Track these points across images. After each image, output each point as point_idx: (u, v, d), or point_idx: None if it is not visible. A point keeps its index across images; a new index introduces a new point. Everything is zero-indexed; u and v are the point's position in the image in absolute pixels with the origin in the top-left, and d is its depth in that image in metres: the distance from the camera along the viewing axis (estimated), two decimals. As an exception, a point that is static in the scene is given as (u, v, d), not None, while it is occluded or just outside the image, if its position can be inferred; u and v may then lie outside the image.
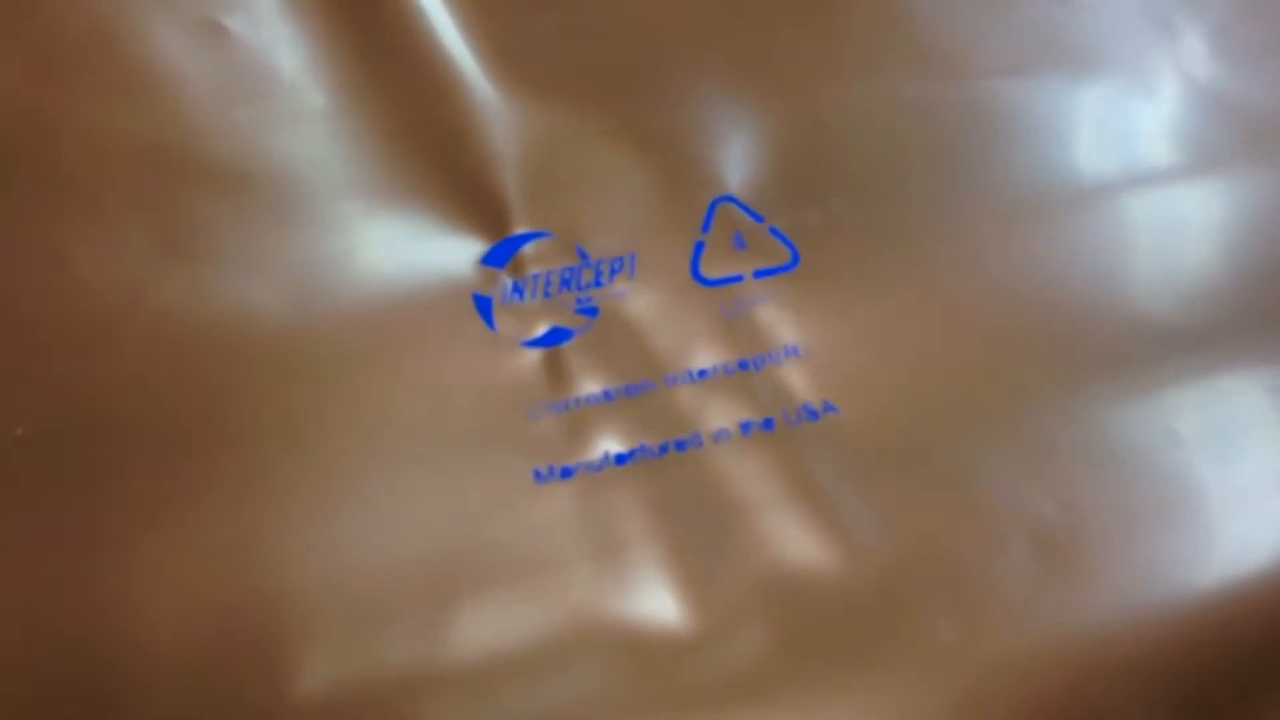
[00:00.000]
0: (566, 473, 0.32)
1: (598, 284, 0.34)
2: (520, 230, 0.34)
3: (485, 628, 0.30)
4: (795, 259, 0.35)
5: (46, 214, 0.33)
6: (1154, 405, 0.34)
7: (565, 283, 0.34)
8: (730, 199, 0.35)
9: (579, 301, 0.34)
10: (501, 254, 0.34)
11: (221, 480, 0.31)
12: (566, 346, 0.34)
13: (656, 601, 0.31)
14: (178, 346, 0.32)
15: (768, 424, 0.33)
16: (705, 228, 0.35)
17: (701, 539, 0.32)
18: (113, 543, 0.31)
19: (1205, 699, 0.31)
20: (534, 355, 0.33)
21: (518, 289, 0.34)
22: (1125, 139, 0.37)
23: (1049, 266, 0.35)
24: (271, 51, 0.34)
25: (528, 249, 0.34)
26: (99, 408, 0.31)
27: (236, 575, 0.30)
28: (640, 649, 0.31)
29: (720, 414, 0.33)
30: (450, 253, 0.34)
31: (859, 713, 0.30)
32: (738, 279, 0.35)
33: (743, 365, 0.34)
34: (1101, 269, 0.35)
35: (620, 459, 0.32)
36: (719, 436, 0.33)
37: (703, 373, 0.34)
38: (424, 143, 0.34)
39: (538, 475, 0.32)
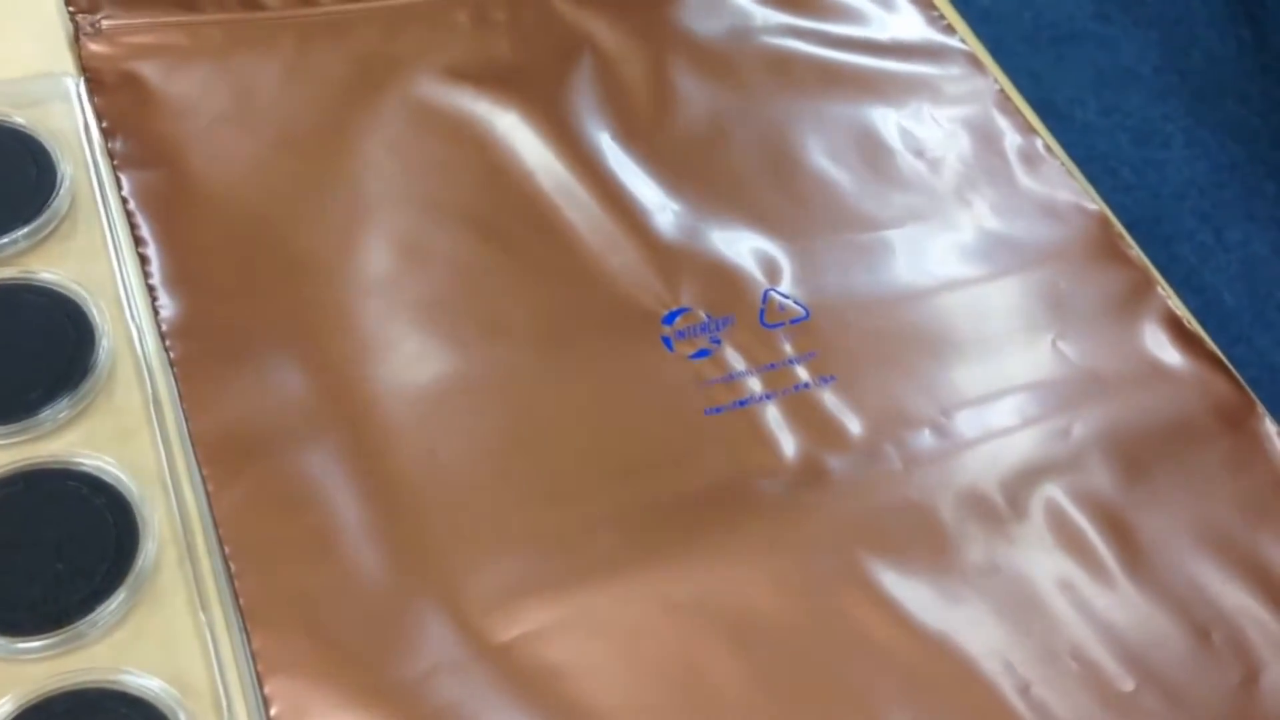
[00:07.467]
0: (719, 410, 0.70)
1: (718, 328, 0.74)
2: (680, 306, 0.74)
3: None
4: (807, 313, 0.75)
5: None
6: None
7: (702, 329, 0.73)
8: (771, 289, 0.75)
9: (710, 338, 0.73)
10: (671, 317, 0.73)
11: None
12: (708, 358, 0.72)
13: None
14: None
15: (798, 387, 0.72)
16: (763, 301, 0.75)
17: None
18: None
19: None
20: (695, 361, 0.72)
21: (680, 334, 0.73)
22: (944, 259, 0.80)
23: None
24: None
25: (681, 315, 0.73)
26: None
27: None
28: None
29: (773, 383, 0.72)
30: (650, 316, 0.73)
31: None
32: (780, 324, 0.74)
33: (773, 365, 0.73)
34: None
35: (741, 402, 0.71)
36: (776, 395, 0.72)
37: (771, 365, 0.73)
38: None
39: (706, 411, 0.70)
